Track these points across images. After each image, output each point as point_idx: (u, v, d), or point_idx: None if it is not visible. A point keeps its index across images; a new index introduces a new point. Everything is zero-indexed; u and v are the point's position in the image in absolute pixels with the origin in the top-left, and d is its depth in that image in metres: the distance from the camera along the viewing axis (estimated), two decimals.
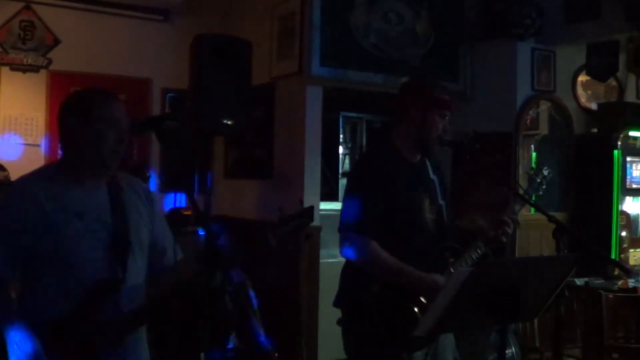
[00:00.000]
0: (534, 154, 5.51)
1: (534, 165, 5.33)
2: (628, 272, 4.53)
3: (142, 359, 2.24)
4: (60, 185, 2.12)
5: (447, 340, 2.83)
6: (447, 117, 2.75)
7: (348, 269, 2.82)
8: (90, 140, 2.08)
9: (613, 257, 5.09)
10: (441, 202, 2.80)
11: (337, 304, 2.84)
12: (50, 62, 5.57)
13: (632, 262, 5.34)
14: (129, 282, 2.12)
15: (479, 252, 2.73)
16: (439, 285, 2.51)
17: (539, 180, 2.98)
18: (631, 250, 5.39)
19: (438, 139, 2.74)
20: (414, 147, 2.77)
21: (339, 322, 2.83)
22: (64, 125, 2.14)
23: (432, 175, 2.84)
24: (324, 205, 5.12)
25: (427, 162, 2.86)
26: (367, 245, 2.60)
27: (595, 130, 5.71)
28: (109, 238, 2.11)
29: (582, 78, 5.80)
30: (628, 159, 5.38)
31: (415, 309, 2.60)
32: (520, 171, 5.36)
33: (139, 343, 2.22)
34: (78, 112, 2.11)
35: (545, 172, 2.99)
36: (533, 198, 3.01)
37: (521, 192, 2.99)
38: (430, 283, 2.57)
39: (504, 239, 2.77)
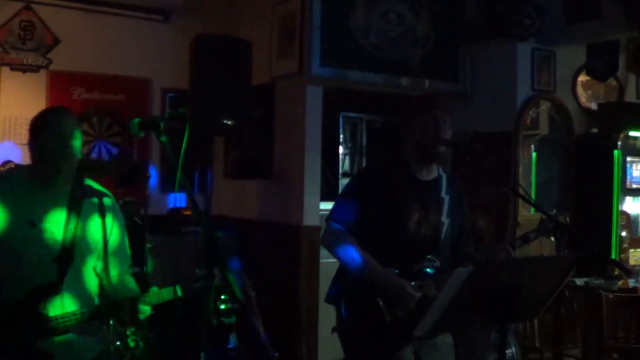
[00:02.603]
0: (534, 154, 5.50)
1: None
2: (628, 272, 4.53)
3: (89, 352, 2.39)
4: (22, 191, 2.34)
5: (443, 343, 2.83)
6: (442, 117, 2.79)
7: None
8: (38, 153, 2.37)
9: (613, 257, 5.08)
10: (445, 219, 2.84)
11: (329, 299, 2.88)
12: (50, 62, 5.56)
13: (632, 262, 5.34)
14: (70, 287, 2.31)
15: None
16: (406, 293, 2.61)
17: (552, 226, 2.85)
18: (631, 250, 5.39)
19: (437, 140, 2.76)
20: (421, 159, 2.83)
21: (334, 330, 2.84)
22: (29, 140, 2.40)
23: (443, 194, 2.88)
24: (324, 205, 5.12)
25: (443, 182, 2.90)
26: (343, 235, 2.74)
27: (595, 130, 5.70)
28: (56, 247, 2.31)
29: (582, 78, 5.80)
30: (628, 159, 5.38)
31: (379, 300, 2.64)
32: (520, 171, 5.36)
33: (86, 336, 2.37)
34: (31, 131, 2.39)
35: (562, 220, 2.91)
36: (533, 198, 3.00)
37: (521, 191, 2.99)
38: (397, 287, 2.63)
39: None
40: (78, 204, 2.36)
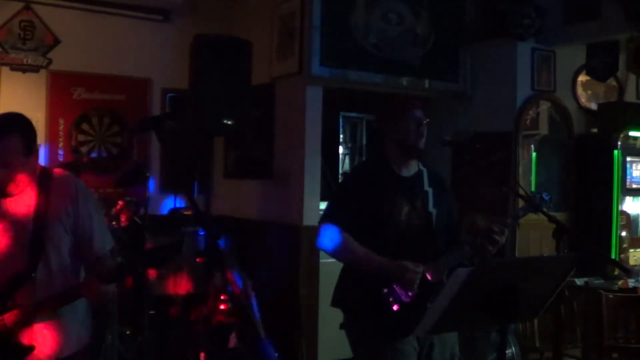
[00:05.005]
0: (534, 154, 5.51)
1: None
2: (628, 272, 4.53)
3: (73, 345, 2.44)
4: None
5: (448, 337, 2.84)
6: (422, 117, 2.89)
7: (348, 267, 2.91)
8: None
9: (613, 257, 5.09)
10: (432, 210, 2.90)
11: (335, 303, 2.89)
12: (50, 62, 5.56)
13: (632, 262, 5.34)
14: (42, 275, 2.36)
15: (461, 255, 2.79)
16: (408, 268, 2.66)
17: (537, 203, 2.93)
18: (631, 250, 5.39)
19: (417, 139, 2.87)
20: (402, 158, 2.92)
21: (342, 327, 2.88)
22: None
23: (426, 187, 2.95)
24: (324, 205, 5.11)
25: (425, 176, 2.97)
26: (338, 234, 2.79)
27: (595, 130, 5.71)
28: (26, 238, 2.37)
29: (582, 78, 5.80)
30: (628, 159, 5.38)
31: (385, 290, 2.68)
32: (520, 171, 5.36)
33: (61, 320, 2.41)
34: None
35: (546, 197, 2.97)
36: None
37: (521, 191, 3.00)
38: (398, 266, 2.68)
39: (490, 248, 2.77)
40: (45, 193, 2.41)
